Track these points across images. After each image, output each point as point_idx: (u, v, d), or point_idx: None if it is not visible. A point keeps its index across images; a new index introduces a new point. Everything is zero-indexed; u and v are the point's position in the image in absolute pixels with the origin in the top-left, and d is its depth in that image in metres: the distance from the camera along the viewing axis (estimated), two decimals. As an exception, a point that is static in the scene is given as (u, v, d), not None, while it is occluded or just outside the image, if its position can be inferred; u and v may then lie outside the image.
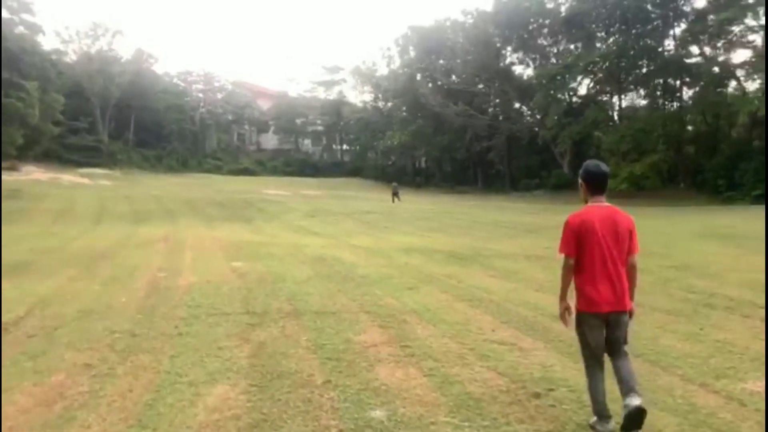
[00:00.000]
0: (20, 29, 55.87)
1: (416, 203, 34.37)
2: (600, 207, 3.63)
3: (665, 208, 30.16)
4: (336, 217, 23.28)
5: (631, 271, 3.68)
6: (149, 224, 20.46)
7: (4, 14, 54.72)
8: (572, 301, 3.72)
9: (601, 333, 3.60)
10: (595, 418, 3.68)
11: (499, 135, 52.81)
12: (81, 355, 5.32)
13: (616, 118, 47.10)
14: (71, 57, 66.41)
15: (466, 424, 3.83)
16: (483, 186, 56.39)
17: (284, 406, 4.10)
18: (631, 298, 3.70)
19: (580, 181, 3.74)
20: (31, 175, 43.88)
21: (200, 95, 74.17)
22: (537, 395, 4.33)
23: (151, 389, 4.44)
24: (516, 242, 15.02)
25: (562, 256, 3.66)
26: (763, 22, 35.76)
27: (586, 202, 3.73)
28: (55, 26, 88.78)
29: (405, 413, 3.98)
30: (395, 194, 37.38)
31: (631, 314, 3.71)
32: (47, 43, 62.93)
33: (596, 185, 3.68)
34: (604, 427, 3.60)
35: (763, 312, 6.99)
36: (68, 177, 44.78)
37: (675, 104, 46.12)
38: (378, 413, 3.98)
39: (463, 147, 56.10)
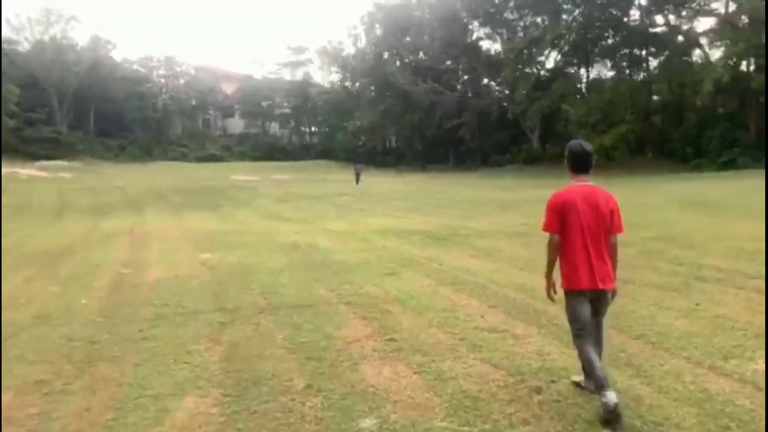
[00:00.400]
0: (-34, 17, 53.48)
1: (388, 183, 33.95)
2: (582, 186, 3.68)
3: (636, 178, 30.34)
4: (308, 200, 22.73)
5: (612, 250, 3.73)
6: (113, 217, 19.65)
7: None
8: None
9: (587, 308, 3.66)
10: (580, 376, 3.90)
11: (469, 111, 52.51)
12: (33, 369, 4.79)
13: (584, 90, 47.03)
14: (24, 46, 63.85)
15: (466, 429, 3.46)
16: (454, 163, 56.15)
17: (262, 419, 3.67)
18: (613, 277, 3.75)
19: (565, 161, 3.80)
20: (-14, 170, 42.01)
21: (162, 81, 72.11)
22: (538, 390, 3.97)
23: (111, 407, 3.96)
24: (493, 219, 14.73)
25: (547, 234, 3.73)
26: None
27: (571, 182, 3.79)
28: (5, 13, 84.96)
29: (397, 420, 3.59)
30: (358, 175, 36.65)
31: (613, 294, 3.79)
32: (-3, 31, 60.40)
33: (580, 164, 3.73)
34: (608, 398, 3.39)
35: (755, 282, 6.78)
36: (26, 171, 43.05)
37: (641, 75, 46.38)
38: (368, 422, 3.57)
39: (433, 125, 55.64)
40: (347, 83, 68.75)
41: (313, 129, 77.91)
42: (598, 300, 3.68)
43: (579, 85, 48.72)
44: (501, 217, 15.13)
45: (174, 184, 31.95)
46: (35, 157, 54.97)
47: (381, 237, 12.36)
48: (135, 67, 70.72)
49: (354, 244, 11.45)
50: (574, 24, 43.40)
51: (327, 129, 72.24)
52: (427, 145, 63.41)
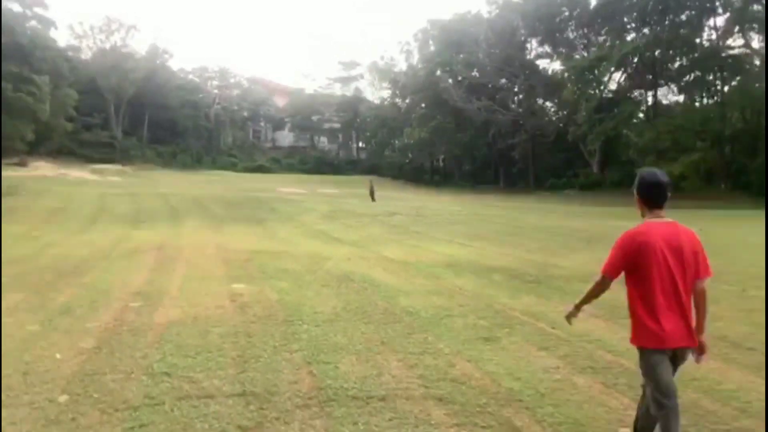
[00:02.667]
0: (32, 23, 53.76)
1: (440, 203, 31.35)
2: (660, 224, 3.02)
3: (710, 212, 26.95)
4: (358, 219, 20.38)
5: (700, 298, 3.05)
6: (148, 226, 17.72)
7: (16, 8, 52.68)
8: None
9: (670, 369, 3.00)
10: None
11: (523, 132, 49.65)
12: None
13: (650, 114, 43.62)
14: (86, 53, 64.30)
15: None
16: (505, 185, 53.29)
17: None
18: (702, 330, 3.09)
19: (635, 193, 3.12)
20: (38, 170, 41.43)
21: (215, 91, 71.76)
22: None
23: None
24: (583, 256, 12.03)
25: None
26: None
27: (644, 216, 3.10)
28: (69, 21, 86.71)
29: None
30: (372, 192, 33.10)
31: (702, 349, 3.12)
32: (62, 39, 61.02)
33: (655, 197, 3.05)
34: None
35: None
36: (76, 173, 42.35)
37: (710, 100, 42.81)
38: None
39: (484, 144, 52.95)
40: (397, 99, 66.90)
41: (361, 144, 76.24)
42: (678, 359, 3.05)
43: (643, 109, 45.36)
44: (591, 253, 12.41)
45: (219, 194, 30.17)
46: (91, 160, 54.87)
47: (453, 273, 9.84)
48: (190, 77, 70.58)
49: (422, 282, 8.96)
50: (642, 43, 40.14)
51: (375, 145, 70.20)
52: (477, 165, 60.72)
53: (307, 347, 5.42)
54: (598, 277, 3.13)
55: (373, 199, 32.32)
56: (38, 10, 54.51)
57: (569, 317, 3.40)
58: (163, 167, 59.21)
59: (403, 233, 16.65)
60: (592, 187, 43.53)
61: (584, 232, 16.54)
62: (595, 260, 11.25)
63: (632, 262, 2.98)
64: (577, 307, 3.34)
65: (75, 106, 54.98)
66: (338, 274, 9.54)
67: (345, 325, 6.22)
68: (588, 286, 3.22)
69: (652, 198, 3.06)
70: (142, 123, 64.45)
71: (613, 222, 18.97)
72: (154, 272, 9.71)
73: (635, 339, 3.04)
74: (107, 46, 62.65)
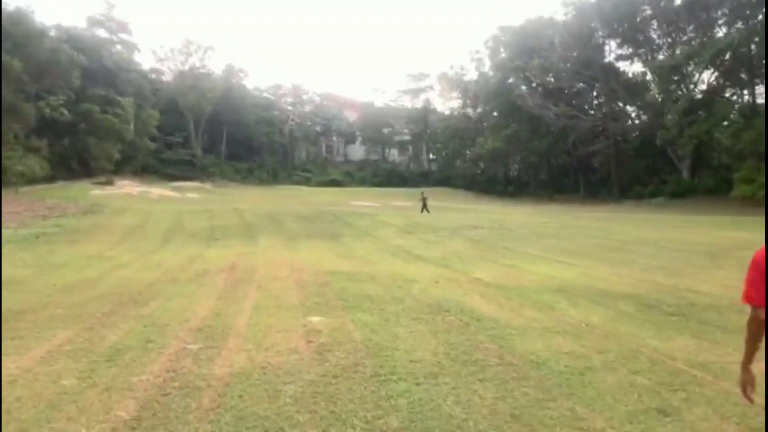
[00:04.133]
0: (117, 48, 55.89)
1: (522, 215, 29.20)
2: None
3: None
4: (438, 233, 18.77)
5: None
6: (221, 244, 16.86)
7: (103, 34, 54.86)
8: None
9: None
10: None
11: (604, 137, 46.48)
12: None
13: (744, 115, 39.54)
14: (167, 75, 66.45)
15: None
16: (586, 194, 50.06)
17: None
18: None
19: None
20: (123, 189, 42.41)
21: (289, 108, 72.36)
22: None
23: None
24: (721, 277, 9.91)
25: (749, 306, 2.48)
26: None
27: None
28: (151, 45, 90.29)
29: None
30: (424, 202, 31.14)
31: None
32: (145, 62, 63.23)
33: None
34: None
35: None
36: (158, 191, 43.06)
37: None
38: None
39: (562, 152, 50.05)
40: (468, 109, 64.98)
41: (431, 156, 74.67)
42: None
43: (737, 109, 41.29)
44: (726, 272, 10.26)
45: (294, 209, 29.40)
46: (172, 177, 56.29)
47: (567, 301, 8.06)
48: (264, 94, 71.57)
49: (533, 315, 7.25)
50: (736, 38, 36.40)
51: (446, 155, 68.35)
52: (554, 174, 57.73)
53: (409, 420, 3.89)
54: (747, 313, 2.53)
55: (425, 210, 30.59)
56: (123, 35, 56.77)
57: (746, 388, 2.60)
58: (240, 183, 60.00)
59: (490, 249, 14.89)
60: (683, 195, 39.91)
61: (702, 245, 14.20)
62: (736, 280, 9.16)
63: None
64: (745, 368, 2.62)
65: (157, 125, 56.69)
66: (429, 303, 7.98)
67: (454, 383, 4.64)
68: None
69: None
70: (220, 141, 65.70)
71: (730, 233, 16.46)
72: (222, 300, 8.50)
73: None
74: (186, 67, 64.38)
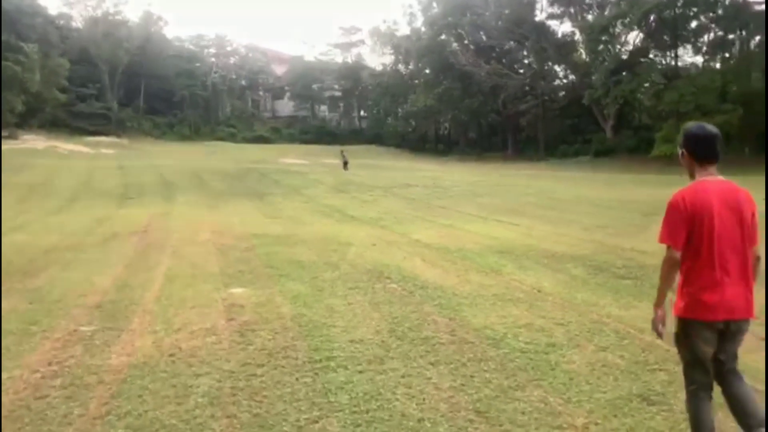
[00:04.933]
0: (19, -12, 50.32)
1: (455, 173, 28.89)
2: (715, 182, 2.59)
3: (738, 180, 24.53)
4: (370, 192, 18.00)
5: (756, 266, 2.64)
6: (135, 204, 15.39)
7: (0, -28, 49.14)
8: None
9: (711, 350, 2.59)
10: None
11: (534, 96, 46.80)
12: None
13: (667, 76, 40.70)
14: (77, 22, 60.95)
15: None
16: (513, 152, 50.63)
17: None
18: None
19: (680, 150, 2.69)
20: (27, 143, 38.79)
21: (212, 60, 68.36)
22: None
23: None
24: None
25: (664, 246, 2.60)
26: None
27: (693, 177, 2.65)
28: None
29: None
30: (345, 162, 31.14)
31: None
32: (52, 6, 57.63)
33: (706, 153, 2.62)
34: None
35: None
36: (67, 146, 39.76)
37: (729, 61, 39.90)
38: None
39: (493, 110, 50.10)
40: (400, 66, 63.70)
41: (362, 113, 73.22)
42: (734, 333, 2.59)
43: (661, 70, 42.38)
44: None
45: (218, 166, 27.72)
46: (85, 132, 52.19)
47: (513, 264, 7.52)
48: (186, 45, 67.14)
49: (480, 280, 6.63)
50: (662, 0, 36.90)
51: (378, 112, 67.06)
52: (483, 133, 58.02)
53: (353, 424, 3.13)
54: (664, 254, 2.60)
55: (345, 168, 30.43)
56: (24, -26, 51.08)
57: (658, 324, 2.69)
58: (159, 138, 56.57)
59: (426, 209, 14.29)
60: (606, 154, 40.95)
61: (633, 203, 14.19)
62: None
63: (690, 226, 2.52)
64: (658, 305, 2.68)
65: (67, 76, 52.10)
66: (367, 268, 7.22)
67: (403, 369, 3.91)
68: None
69: (704, 153, 2.62)
70: (138, 93, 61.38)
71: (657, 190, 16.59)
72: (130, 269, 7.39)
73: (680, 311, 2.59)
74: (99, 13, 59.22)
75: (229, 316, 5.21)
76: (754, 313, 2.60)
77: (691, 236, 2.53)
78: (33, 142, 40.71)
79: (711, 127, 2.65)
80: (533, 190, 18.06)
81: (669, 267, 2.61)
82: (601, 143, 42.39)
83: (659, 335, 2.72)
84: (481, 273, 7.00)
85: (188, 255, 8.27)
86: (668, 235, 2.57)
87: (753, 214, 2.60)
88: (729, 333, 2.58)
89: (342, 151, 34.06)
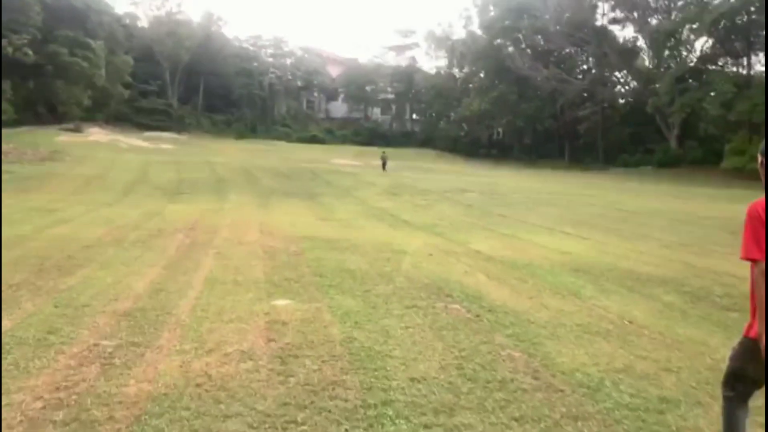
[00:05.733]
0: (88, -14, 51.92)
1: (511, 179, 27.65)
2: None
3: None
4: (425, 196, 17.13)
5: None
6: (186, 200, 15.05)
7: (72, -29, 50.79)
8: None
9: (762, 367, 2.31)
10: None
11: (593, 103, 44.82)
12: None
13: (738, 85, 38.07)
14: (142, 20, 62.63)
15: None
16: (570, 160, 48.68)
17: None
18: None
19: (761, 158, 2.46)
20: (91, 136, 39.75)
21: (270, 60, 68.93)
22: None
23: None
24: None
25: (751, 262, 2.30)
26: None
27: None
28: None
29: None
30: (384, 162, 32.17)
31: None
32: (118, 5, 59.27)
33: None
34: None
35: None
36: (128, 140, 40.48)
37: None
38: None
39: (550, 116, 48.30)
40: (454, 69, 62.54)
41: (414, 116, 72.33)
42: None
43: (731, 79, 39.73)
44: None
45: (271, 164, 27.45)
46: (147, 128, 53.33)
47: (593, 285, 6.54)
48: (244, 45, 67.96)
49: (556, 303, 5.68)
50: (735, 5, 34.46)
51: (432, 115, 65.96)
52: (538, 139, 56.07)
53: None
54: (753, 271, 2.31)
55: (384, 169, 31.48)
56: (94, -27, 52.66)
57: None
58: (217, 136, 57.31)
59: (485, 216, 13.32)
60: (671, 164, 38.74)
61: (714, 219, 12.80)
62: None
63: None
64: (760, 336, 2.29)
65: (131, 72, 53.46)
66: (425, 282, 6.38)
67: (480, 426, 3.05)
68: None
69: None
70: (197, 91, 62.47)
71: (732, 206, 15.09)
72: (169, 270, 6.79)
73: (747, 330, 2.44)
74: (163, 12, 60.64)
75: (270, 335, 4.47)
76: None
77: None
78: (97, 135, 41.73)
79: None
80: (599, 201, 16.79)
81: (764, 282, 2.27)
82: (665, 153, 40.14)
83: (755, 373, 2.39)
84: (557, 295, 6.05)
85: (233, 257, 7.64)
86: (756, 247, 2.28)
87: None
88: None
89: (383, 152, 35.01)
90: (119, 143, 38.26)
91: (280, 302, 5.42)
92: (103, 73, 47.43)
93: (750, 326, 2.45)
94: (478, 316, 5.17)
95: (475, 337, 4.54)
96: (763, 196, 2.37)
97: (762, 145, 2.49)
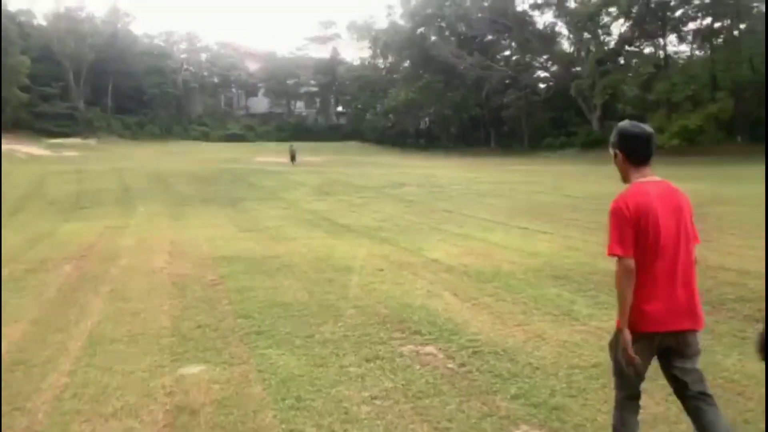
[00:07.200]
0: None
1: (445, 170, 26.71)
2: (654, 183, 2.42)
3: (737, 169, 23.08)
4: (361, 194, 15.73)
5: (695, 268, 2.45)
6: (86, 216, 12.93)
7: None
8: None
9: (647, 363, 2.42)
10: None
11: (517, 89, 44.88)
12: None
13: (657, 65, 39.04)
14: (39, 20, 57.39)
15: None
16: (496, 146, 48.71)
17: None
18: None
19: (613, 150, 2.49)
20: (-17, 147, 35.51)
21: (183, 56, 65.13)
22: None
23: None
24: (735, 244, 7.67)
25: (616, 258, 2.34)
26: None
27: (627, 180, 2.47)
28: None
29: None
30: (293, 157, 32.20)
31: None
32: (11, 3, 53.93)
33: (641, 153, 2.44)
34: None
35: None
36: (27, 149, 36.60)
37: (714, 49, 38.43)
38: None
39: (476, 103, 48.04)
40: (378, 60, 61.35)
41: (340, 109, 70.66)
42: (686, 344, 2.37)
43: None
44: (736, 238, 8.08)
45: (188, 167, 25.14)
46: (50, 134, 48.80)
47: (581, 297, 5.40)
48: (155, 41, 63.86)
49: (555, 331, 4.44)
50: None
51: (358, 107, 64.47)
52: (465, 127, 55.84)
53: None
54: (615, 266, 2.37)
55: (293, 162, 31.56)
56: (-20, -31, 47.42)
57: (628, 351, 2.33)
58: (129, 139, 53.35)
59: (429, 213, 12.09)
60: (593, 145, 39.23)
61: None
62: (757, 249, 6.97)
63: (636, 232, 2.33)
64: (623, 328, 2.35)
65: (30, 74, 48.66)
66: (382, 314, 5.01)
67: None
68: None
69: (639, 153, 2.44)
70: (106, 92, 57.96)
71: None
72: (40, 326, 5.05)
73: (622, 323, 2.36)
74: (61, 8, 55.70)
75: (165, 420, 2.95)
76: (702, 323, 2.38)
77: (636, 242, 2.33)
78: (-11, 145, 37.43)
79: (646, 126, 2.47)
80: (541, 188, 16.00)
81: (627, 278, 2.32)
82: (588, 135, 40.63)
83: (631, 362, 2.35)
84: (548, 317, 4.83)
85: (132, 295, 5.95)
86: (618, 244, 2.32)
87: (691, 215, 2.44)
88: (680, 344, 2.37)
89: (291, 145, 34.61)
90: (16, 153, 34.41)
91: (190, 369, 3.87)
92: (-5, 76, 42.84)
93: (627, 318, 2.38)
94: (463, 365, 3.84)
95: (470, 406, 3.20)
96: (624, 191, 2.39)
97: (612, 138, 2.47)
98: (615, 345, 2.43)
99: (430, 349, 4.16)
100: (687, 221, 2.38)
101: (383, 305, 5.30)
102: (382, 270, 6.84)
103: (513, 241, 8.48)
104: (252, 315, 5.08)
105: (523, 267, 6.71)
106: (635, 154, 2.41)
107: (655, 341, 2.35)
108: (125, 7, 72.78)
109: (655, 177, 2.43)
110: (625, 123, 2.51)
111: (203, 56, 66.48)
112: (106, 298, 5.91)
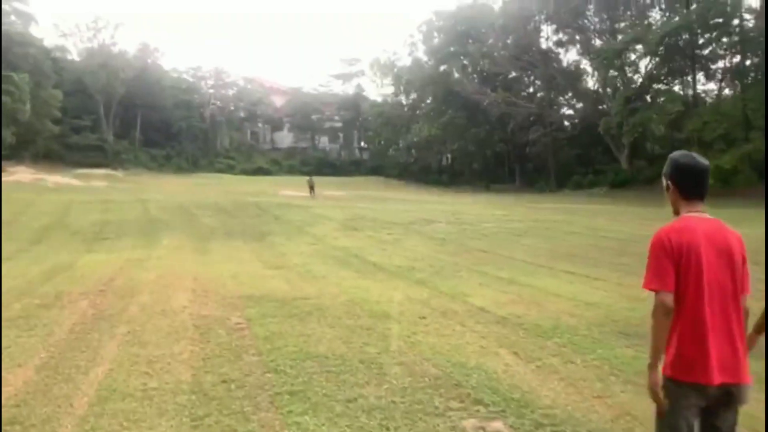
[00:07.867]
0: (11, 18, 48.18)
1: (474, 206, 26.00)
2: (702, 219, 2.24)
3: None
4: (389, 230, 15.08)
5: (744, 319, 2.21)
6: (108, 247, 12.47)
7: (-9, 1, 47.16)
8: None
9: (697, 416, 2.16)
10: None
11: (542, 125, 44.34)
12: None
13: (686, 104, 38.27)
14: (73, 54, 58.95)
15: None
16: (521, 184, 47.94)
17: None
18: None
19: (666, 182, 2.37)
20: (14, 176, 35.89)
21: (210, 91, 66.12)
22: None
23: None
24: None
25: (653, 294, 2.16)
26: None
27: (677, 213, 2.31)
28: (54, 19, 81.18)
29: None
30: (312, 188, 32.77)
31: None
32: (47, 39, 55.43)
33: (694, 186, 2.30)
34: None
35: None
36: (55, 178, 36.84)
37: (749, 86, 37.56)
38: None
39: (501, 140, 47.57)
40: (401, 96, 61.55)
41: (363, 144, 70.85)
42: (730, 400, 2.15)
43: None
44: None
45: (212, 200, 24.82)
46: (80, 165, 49.36)
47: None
48: (183, 76, 65.02)
49: (644, 408, 3.67)
50: (681, 24, 34.51)
51: (381, 143, 64.59)
52: (488, 163, 55.28)
53: None
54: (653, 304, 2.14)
55: (311, 193, 32.09)
56: (17, 4, 48.98)
57: (656, 389, 2.15)
58: (156, 171, 53.82)
59: (465, 253, 11.36)
60: (623, 185, 38.30)
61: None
62: None
63: (677, 268, 2.13)
64: (653, 366, 2.16)
65: (61, 107, 49.64)
66: (433, 375, 4.29)
67: None
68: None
69: (692, 187, 2.29)
70: (134, 125, 58.91)
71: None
72: (45, 374, 4.43)
73: (666, 369, 2.16)
74: (95, 44, 57.15)
75: None
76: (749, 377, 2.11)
77: (677, 280, 2.14)
78: (20, 174, 37.85)
79: (702, 159, 2.33)
80: (577, 228, 15.19)
81: (663, 315, 2.12)
82: (617, 174, 39.74)
83: (661, 404, 2.16)
84: (631, 387, 4.06)
85: (149, 340, 5.33)
86: (656, 278, 2.14)
87: (744, 259, 2.21)
88: (722, 400, 2.14)
89: (309, 178, 34.91)
90: (44, 182, 34.64)
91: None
92: (27, 107, 43.61)
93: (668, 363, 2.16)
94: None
95: None
96: (669, 224, 2.23)
97: (665, 168, 2.34)
98: (662, 395, 2.17)
99: (498, 426, 3.43)
100: (737, 265, 2.16)
101: (431, 363, 4.59)
102: (424, 318, 6.13)
103: (563, 287, 7.72)
104: (283, 369, 4.41)
105: (583, 320, 5.95)
106: (687, 186, 2.28)
107: (705, 393, 2.10)
108: (155, 43, 74.36)
109: (706, 214, 2.26)
110: (678, 153, 2.37)
111: (230, 91, 67.43)
112: (121, 341, 5.28)
